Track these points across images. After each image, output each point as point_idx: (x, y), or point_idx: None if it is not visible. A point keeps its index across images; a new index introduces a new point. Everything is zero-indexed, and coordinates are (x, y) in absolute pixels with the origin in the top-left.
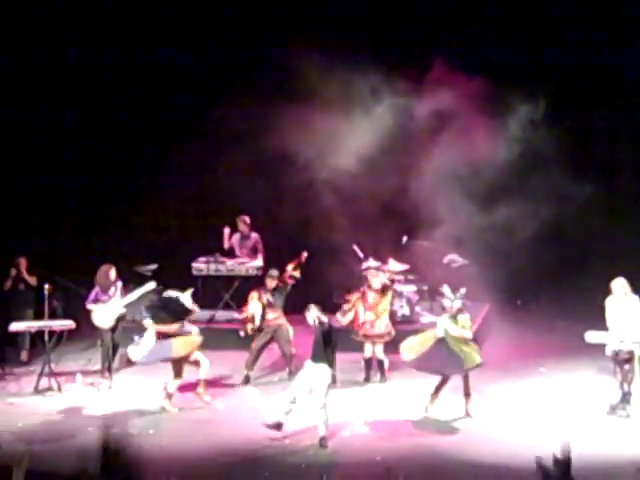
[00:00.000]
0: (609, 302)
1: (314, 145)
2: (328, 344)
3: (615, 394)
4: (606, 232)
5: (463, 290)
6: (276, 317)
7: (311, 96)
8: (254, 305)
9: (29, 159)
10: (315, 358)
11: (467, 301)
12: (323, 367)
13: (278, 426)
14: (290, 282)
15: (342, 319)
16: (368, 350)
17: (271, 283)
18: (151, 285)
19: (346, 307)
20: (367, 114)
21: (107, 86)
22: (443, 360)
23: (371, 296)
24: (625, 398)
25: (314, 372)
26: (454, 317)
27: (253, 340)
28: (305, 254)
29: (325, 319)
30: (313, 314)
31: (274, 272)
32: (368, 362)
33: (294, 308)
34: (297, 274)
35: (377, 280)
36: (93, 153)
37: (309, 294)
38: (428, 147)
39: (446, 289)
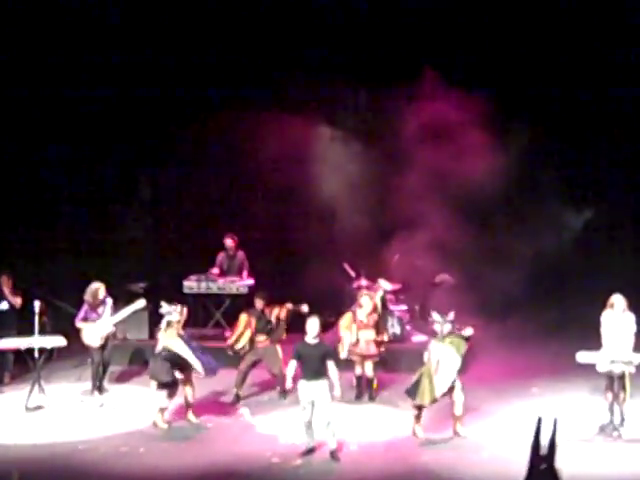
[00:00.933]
0: (605, 317)
1: (301, 163)
2: (325, 360)
3: (606, 414)
4: (600, 252)
5: (452, 314)
6: (264, 339)
7: (297, 114)
8: (245, 331)
9: (14, 177)
10: (311, 376)
11: (457, 324)
12: (322, 383)
13: (311, 451)
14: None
15: (342, 354)
16: (359, 368)
17: (259, 304)
18: (141, 303)
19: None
20: (356, 131)
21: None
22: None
23: (362, 314)
24: (616, 418)
25: (314, 390)
26: (443, 340)
27: (242, 360)
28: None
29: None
30: (315, 327)
31: (263, 293)
32: (359, 379)
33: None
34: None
35: (367, 299)
36: (78, 169)
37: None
38: (420, 164)
39: (435, 315)
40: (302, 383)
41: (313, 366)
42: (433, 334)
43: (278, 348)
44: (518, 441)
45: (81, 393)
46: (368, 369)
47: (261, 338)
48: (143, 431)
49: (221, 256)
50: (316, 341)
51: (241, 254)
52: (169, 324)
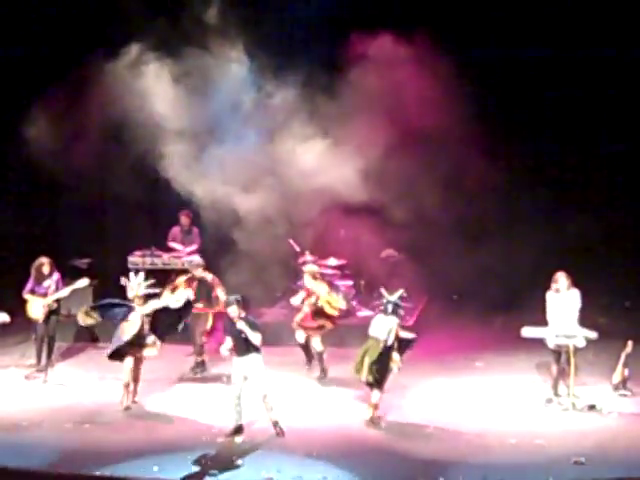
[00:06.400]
0: (549, 295)
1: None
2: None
3: (551, 387)
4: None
5: (401, 291)
6: (200, 307)
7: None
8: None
9: None
10: (242, 351)
11: (406, 303)
12: (253, 357)
13: (238, 430)
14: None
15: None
16: (300, 336)
17: (196, 272)
18: (84, 282)
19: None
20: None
21: None
22: None
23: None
24: (562, 392)
25: (246, 364)
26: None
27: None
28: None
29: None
30: (234, 310)
31: (199, 261)
32: (304, 347)
33: None
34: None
35: (307, 273)
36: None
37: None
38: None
39: (384, 292)
40: (234, 359)
41: (242, 341)
42: (382, 311)
43: (209, 319)
44: (463, 414)
45: (26, 369)
46: (315, 343)
47: (198, 305)
48: (87, 407)
49: (176, 230)
50: (242, 316)
51: (195, 231)
52: None
